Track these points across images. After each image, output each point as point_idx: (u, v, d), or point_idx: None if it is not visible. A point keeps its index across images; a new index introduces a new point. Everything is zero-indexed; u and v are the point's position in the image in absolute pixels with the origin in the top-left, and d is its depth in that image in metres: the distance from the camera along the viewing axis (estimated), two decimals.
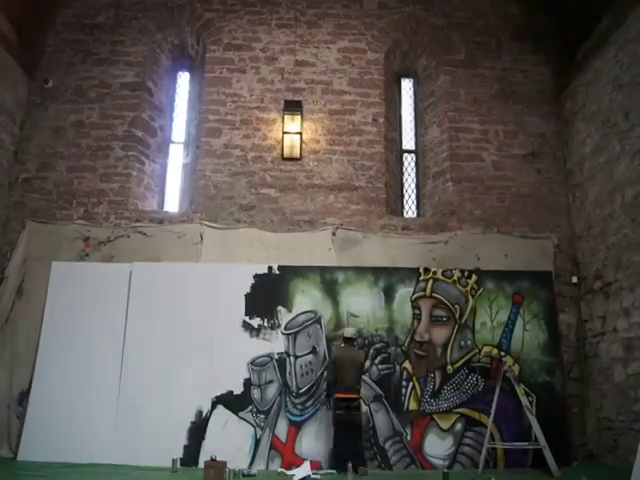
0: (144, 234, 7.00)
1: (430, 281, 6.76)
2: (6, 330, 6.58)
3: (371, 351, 6.50)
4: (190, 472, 5.63)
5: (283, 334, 6.52)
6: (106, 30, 7.77)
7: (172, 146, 8.00)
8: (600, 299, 6.50)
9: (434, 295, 6.70)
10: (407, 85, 8.38)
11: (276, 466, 6.00)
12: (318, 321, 6.57)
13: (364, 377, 6.22)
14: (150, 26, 7.82)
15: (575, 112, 7.30)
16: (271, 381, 6.36)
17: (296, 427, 6.22)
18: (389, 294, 6.73)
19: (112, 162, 7.29)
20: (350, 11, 7.95)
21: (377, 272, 6.80)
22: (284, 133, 7.36)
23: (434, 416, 6.30)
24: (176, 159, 7.94)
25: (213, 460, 5.13)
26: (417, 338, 6.56)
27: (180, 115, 8.14)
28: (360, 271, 6.81)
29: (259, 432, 6.17)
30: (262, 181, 7.29)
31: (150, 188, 7.60)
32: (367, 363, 6.31)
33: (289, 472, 5.67)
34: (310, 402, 6.30)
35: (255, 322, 6.54)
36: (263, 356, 6.43)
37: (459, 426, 6.25)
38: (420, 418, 6.30)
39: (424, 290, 6.73)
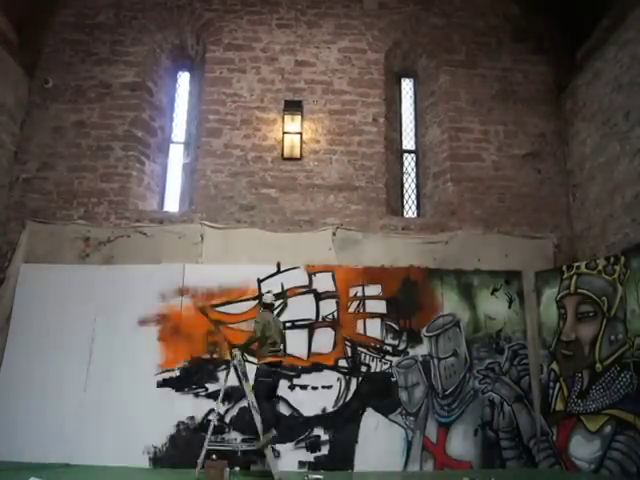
0: (144, 234, 7.00)
1: (574, 277, 6.45)
2: (7, 330, 6.55)
3: (509, 353, 6.63)
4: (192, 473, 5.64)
5: (425, 336, 6.59)
6: (106, 30, 7.76)
7: (172, 146, 7.99)
8: None
9: (579, 291, 6.36)
10: (407, 85, 8.38)
11: (429, 467, 6.14)
12: (457, 324, 6.67)
13: (504, 377, 6.52)
14: (150, 26, 7.81)
15: (575, 112, 7.30)
16: (417, 383, 6.44)
17: (445, 428, 6.31)
18: (521, 295, 6.85)
19: (112, 162, 7.28)
20: (350, 11, 7.94)
21: (510, 275, 6.89)
22: (284, 133, 7.36)
23: (581, 417, 6.05)
24: (176, 159, 7.93)
25: (213, 460, 5.15)
26: (563, 338, 6.43)
27: (180, 115, 8.13)
28: (495, 275, 6.89)
29: (410, 434, 6.26)
30: (262, 181, 7.28)
31: (150, 188, 7.60)
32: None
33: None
34: (456, 404, 6.40)
35: (396, 325, 6.66)
36: (408, 358, 6.52)
37: (608, 429, 5.74)
38: (566, 419, 6.20)
39: (568, 288, 6.50)
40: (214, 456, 5.22)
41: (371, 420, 6.29)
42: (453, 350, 6.60)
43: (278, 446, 6.00)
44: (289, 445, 6.13)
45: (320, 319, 6.62)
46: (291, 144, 7.35)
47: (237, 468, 5.45)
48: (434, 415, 6.36)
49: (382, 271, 6.83)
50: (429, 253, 7.01)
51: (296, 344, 6.47)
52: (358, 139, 7.48)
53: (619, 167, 6.28)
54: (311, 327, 6.58)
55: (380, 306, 6.70)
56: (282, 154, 7.34)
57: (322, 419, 6.26)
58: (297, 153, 7.34)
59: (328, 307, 6.67)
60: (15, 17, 6.97)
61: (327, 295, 6.71)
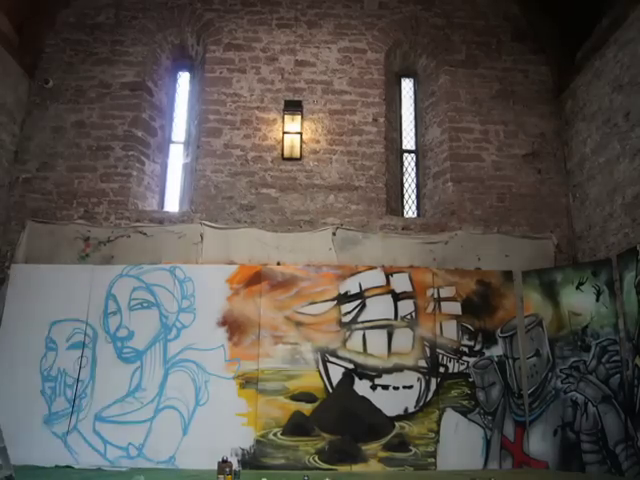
0: (144, 234, 7.00)
1: None
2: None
3: (597, 349, 6.15)
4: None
5: (500, 337, 6.58)
6: (106, 30, 7.76)
7: (172, 146, 7.98)
8: None
9: None
10: (407, 85, 8.38)
11: (508, 465, 6.17)
12: (540, 324, 6.61)
13: (589, 376, 6.08)
14: (150, 26, 7.81)
15: (575, 112, 7.30)
16: (494, 383, 6.45)
17: (522, 427, 6.33)
18: (611, 285, 6.11)
19: (112, 162, 7.28)
20: (350, 11, 7.94)
21: (597, 265, 6.33)
22: (284, 133, 7.35)
23: None
24: (176, 159, 7.93)
25: (225, 462, 5.16)
26: None
27: (180, 115, 8.12)
28: (580, 268, 6.56)
29: (489, 433, 6.27)
30: (262, 181, 7.29)
31: (150, 188, 7.60)
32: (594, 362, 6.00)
33: None
34: (536, 403, 6.37)
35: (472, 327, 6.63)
36: (484, 359, 6.53)
37: None
38: None
39: None
40: (226, 456, 5.24)
41: (451, 420, 6.30)
42: (535, 350, 6.52)
43: (363, 446, 6.10)
44: (373, 445, 6.16)
45: (399, 319, 6.60)
46: (291, 144, 7.34)
47: (239, 468, 5.44)
48: (511, 414, 6.35)
49: (456, 273, 6.80)
50: (429, 253, 7.01)
51: (376, 344, 6.50)
52: (358, 139, 7.48)
53: (619, 167, 6.28)
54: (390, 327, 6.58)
55: (455, 307, 6.67)
56: (282, 154, 7.34)
57: (405, 419, 6.27)
58: (297, 153, 7.34)
59: (406, 307, 6.67)
60: (15, 17, 6.96)
61: (405, 296, 6.69)
